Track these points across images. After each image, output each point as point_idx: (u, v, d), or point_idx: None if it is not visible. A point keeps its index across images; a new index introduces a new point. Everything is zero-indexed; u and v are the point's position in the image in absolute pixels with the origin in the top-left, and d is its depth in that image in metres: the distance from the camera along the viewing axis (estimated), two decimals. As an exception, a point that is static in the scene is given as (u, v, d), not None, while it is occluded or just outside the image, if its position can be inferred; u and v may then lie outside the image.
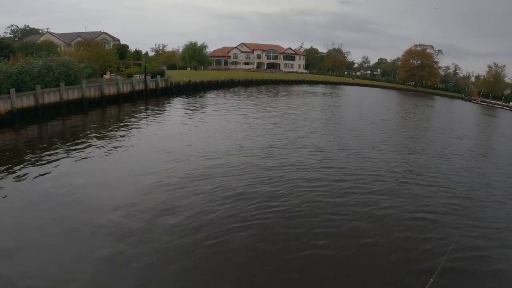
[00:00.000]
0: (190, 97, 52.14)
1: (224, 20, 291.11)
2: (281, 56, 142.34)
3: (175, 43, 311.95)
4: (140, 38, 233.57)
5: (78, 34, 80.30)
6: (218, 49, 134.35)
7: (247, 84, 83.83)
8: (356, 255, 14.74)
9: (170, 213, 15.33)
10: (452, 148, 40.34)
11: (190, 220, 14.99)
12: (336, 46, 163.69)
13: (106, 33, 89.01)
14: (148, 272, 11.84)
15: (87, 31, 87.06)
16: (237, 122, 37.17)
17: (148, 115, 37.61)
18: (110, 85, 42.32)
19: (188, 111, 40.29)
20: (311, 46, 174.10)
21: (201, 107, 43.79)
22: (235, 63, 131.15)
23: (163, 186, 18.11)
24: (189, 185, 18.72)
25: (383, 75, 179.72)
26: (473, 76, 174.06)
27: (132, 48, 78.35)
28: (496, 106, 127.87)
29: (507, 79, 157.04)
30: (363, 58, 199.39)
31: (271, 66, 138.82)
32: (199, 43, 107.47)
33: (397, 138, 41.73)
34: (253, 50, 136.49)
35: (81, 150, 24.32)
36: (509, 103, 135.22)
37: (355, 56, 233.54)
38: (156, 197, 16.78)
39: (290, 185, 20.61)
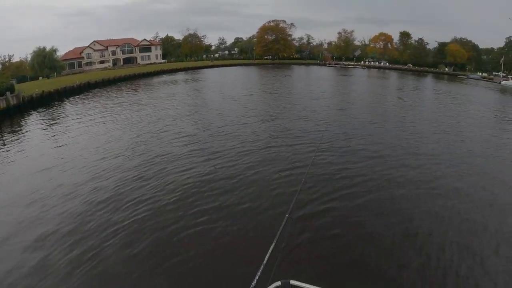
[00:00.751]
0: (47, 110, 50.32)
1: (73, 18, 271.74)
2: (137, 49, 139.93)
3: (23, 51, 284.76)
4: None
5: None
6: (69, 51, 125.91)
7: (105, 84, 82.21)
8: (226, 212, 17.47)
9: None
10: (310, 108, 46.61)
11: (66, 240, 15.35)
12: (191, 31, 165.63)
13: None
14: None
15: None
16: (100, 126, 37.95)
17: (4, 142, 33.37)
18: (-46, 114, 38.27)
19: (48, 127, 38.91)
20: (167, 34, 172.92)
21: (61, 119, 43.05)
22: (90, 63, 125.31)
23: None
24: (58, 206, 18.69)
25: (240, 53, 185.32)
26: (325, 43, 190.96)
27: (-29, 65, 71.83)
28: (349, 66, 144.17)
29: (356, 42, 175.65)
30: (220, 39, 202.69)
31: (127, 61, 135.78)
32: (48, 48, 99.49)
33: (258, 109, 46.80)
34: (107, 46, 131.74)
35: None
36: (360, 62, 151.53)
37: (211, 39, 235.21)
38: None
39: (160, 176, 22.62)
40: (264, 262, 5.40)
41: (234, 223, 16.23)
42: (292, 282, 4.70)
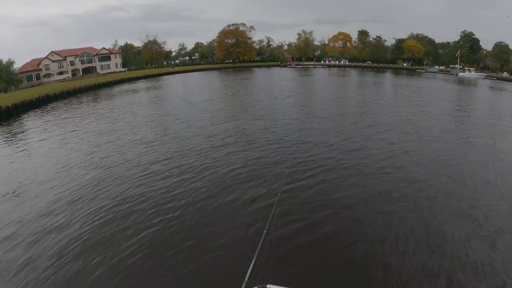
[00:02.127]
0: (5, 126, 49.39)
1: (29, 28, 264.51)
2: (96, 58, 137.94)
3: None
4: None
5: None
6: (27, 63, 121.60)
7: (64, 96, 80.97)
8: (202, 216, 18.33)
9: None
10: (271, 108, 48.98)
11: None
12: (151, 38, 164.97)
13: None
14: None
15: None
16: (59, 139, 38.07)
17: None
18: None
19: (6, 144, 38.24)
20: (126, 42, 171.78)
21: (20, 134, 42.63)
22: (48, 75, 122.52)
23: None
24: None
25: (201, 58, 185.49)
26: (285, 44, 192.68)
27: None
28: (309, 66, 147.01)
29: (316, 42, 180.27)
30: (180, 45, 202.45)
31: (87, 70, 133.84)
32: (5, 60, 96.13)
33: (219, 112, 48.92)
34: (65, 57, 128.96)
35: None
36: (320, 61, 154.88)
37: (171, 45, 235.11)
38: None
39: (123, 182, 23.88)
40: (246, 279, 5.60)
41: (212, 242, 16.06)
42: (269, 286, 5.12)
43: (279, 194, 11.10)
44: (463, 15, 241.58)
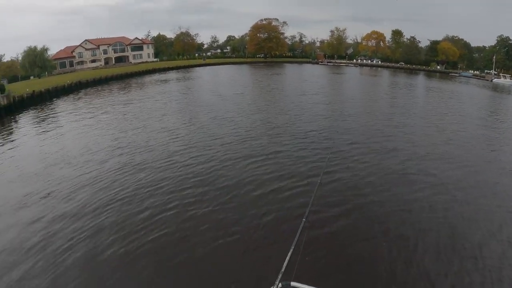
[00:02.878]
0: (38, 110, 49.80)
1: (64, 17, 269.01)
2: (129, 48, 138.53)
3: (13, 51, 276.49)
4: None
5: None
6: (61, 50, 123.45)
7: (96, 83, 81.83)
8: (236, 212, 17.63)
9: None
10: (302, 104, 47.87)
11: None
12: (183, 30, 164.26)
13: None
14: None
15: None
16: (89, 125, 38.23)
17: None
18: None
19: (38, 128, 38.42)
20: (159, 33, 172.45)
21: (51, 119, 42.77)
22: (81, 62, 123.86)
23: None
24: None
25: (233, 51, 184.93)
26: (318, 41, 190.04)
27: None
28: (341, 64, 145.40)
29: (348, 40, 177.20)
30: (212, 38, 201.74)
31: (119, 59, 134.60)
32: (39, 47, 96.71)
33: (254, 105, 48.90)
34: (99, 45, 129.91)
35: None
36: (352, 60, 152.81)
37: (203, 37, 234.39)
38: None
39: (151, 166, 24.31)
40: (283, 269, 5.44)
41: (252, 229, 16.03)
42: (293, 283, 4.72)
43: (318, 182, 10.94)
44: (500, 19, 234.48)
